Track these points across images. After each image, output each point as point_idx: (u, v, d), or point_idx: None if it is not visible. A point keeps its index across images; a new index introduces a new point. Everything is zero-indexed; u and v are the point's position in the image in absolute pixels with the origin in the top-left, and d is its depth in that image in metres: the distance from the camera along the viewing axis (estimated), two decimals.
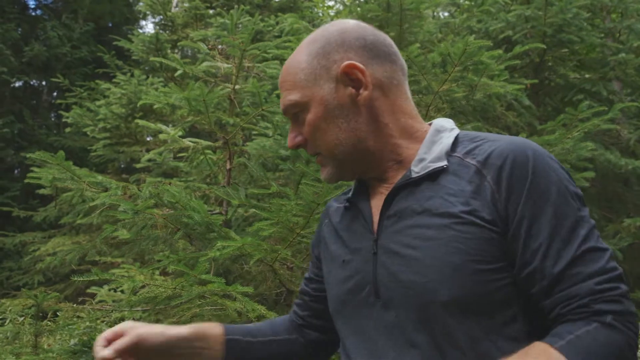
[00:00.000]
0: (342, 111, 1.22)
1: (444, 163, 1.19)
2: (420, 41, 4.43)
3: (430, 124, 1.31)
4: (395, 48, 1.30)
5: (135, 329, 1.29)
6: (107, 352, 1.24)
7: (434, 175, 1.19)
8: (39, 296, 3.16)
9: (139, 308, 2.96)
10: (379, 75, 1.24)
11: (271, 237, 2.97)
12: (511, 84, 3.98)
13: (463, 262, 1.10)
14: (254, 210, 3.91)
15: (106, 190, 3.27)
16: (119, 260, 5.71)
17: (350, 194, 1.38)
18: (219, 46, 6.46)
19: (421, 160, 1.21)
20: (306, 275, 1.57)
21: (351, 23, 1.28)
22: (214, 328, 1.42)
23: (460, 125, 3.48)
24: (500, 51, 3.78)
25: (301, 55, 1.25)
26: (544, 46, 4.48)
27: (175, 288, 2.59)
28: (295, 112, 1.25)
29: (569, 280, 1.06)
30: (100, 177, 3.20)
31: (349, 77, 1.22)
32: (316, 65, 1.23)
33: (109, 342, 1.26)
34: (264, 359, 1.48)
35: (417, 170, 1.21)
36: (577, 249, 1.06)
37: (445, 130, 1.26)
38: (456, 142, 1.23)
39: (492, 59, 3.78)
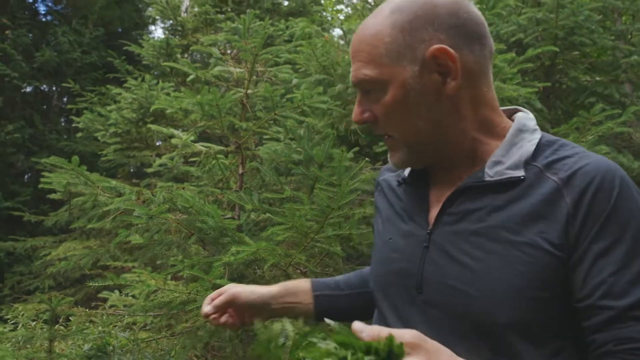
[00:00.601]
0: (424, 98, 1.11)
1: (521, 173, 1.09)
2: None
3: (513, 118, 1.21)
4: (486, 27, 1.16)
5: (230, 289, 1.43)
6: (207, 308, 1.42)
7: (508, 184, 1.10)
8: (54, 301, 3.17)
9: (152, 313, 2.96)
10: (469, 63, 1.12)
11: (285, 242, 2.96)
12: (524, 87, 3.96)
13: (523, 287, 1.03)
14: (265, 215, 3.91)
15: (120, 195, 3.28)
16: (130, 265, 5.72)
17: (406, 173, 1.29)
18: (229, 51, 6.48)
19: (497, 163, 1.12)
20: None
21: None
22: (303, 284, 1.49)
23: None
24: (513, 54, 3.76)
25: (383, 24, 1.12)
26: (557, 49, 4.46)
27: (189, 293, 2.59)
28: (369, 87, 1.14)
29: (631, 321, 0.99)
30: (114, 182, 3.20)
31: (437, 63, 1.10)
32: (401, 40, 1.10)
33: (212, 300, 1.43)
34: (353, 309, 1.47)
35: (491, 173, 1.12)
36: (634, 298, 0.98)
37: (527, 130, 1.15)
38: (538, 147, 1.12)
39: (505, 62, 3.76)
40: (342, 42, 4.77)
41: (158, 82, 7.34)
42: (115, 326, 3.48)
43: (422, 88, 1.10)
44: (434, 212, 1.18)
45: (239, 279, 3.11)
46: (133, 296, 5.40)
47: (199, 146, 4.15)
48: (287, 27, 6.98)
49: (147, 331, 3.86)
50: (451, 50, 1.08)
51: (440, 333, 1.03)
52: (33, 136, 11.06)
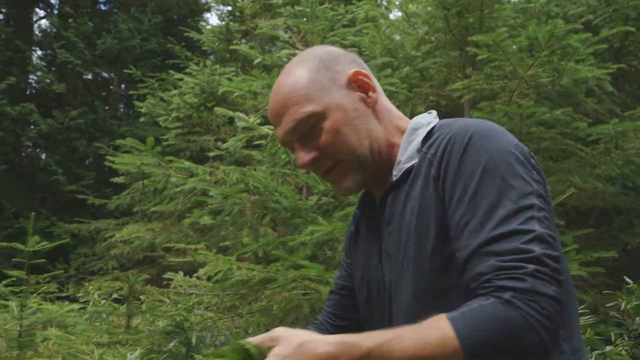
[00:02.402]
0: (357, 113, 1.27)
1: (413, 162, 1.24)
2: (502, 26, 4.33)
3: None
4: None
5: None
6: None
7: (407, 176, 1.24)
8: (131, 278, 3.26)
9: (229, 292, 3.01)
10: (373, 82, 1.31)
11: None
12: (598, 69, 3.85)
13: (422, 261, 1.16)
14: (331, 199, 3.92)
15: (192, 175, 3.33)
16: (193, 247, 5.83)
17: (358, 201, 1.45)
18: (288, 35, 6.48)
19: (398, 162, 1.27)
20: (339, 272, 1.57)
21: (329, 46, 1.36)
22: None
23: (547, 111, 3.39)
24: (588, 34, 3.66)
25: (299, 74, 1.27)
26: (632, 29, 4.30)
27: (268, 272, 2.62)
28: (310, 125, 1.25)
29: (478, 259, 1.06)
30: (187, 163, 3.26)
31: (357, 84, 1.28)
32: (321, 77, 1.27)
33: None
34: None
35: (395, 173, 1.27)
36: (494, 229, 1.06)
37: (421, 126, 1.29)
38: (429, 135, 1.26)
39: (580, 42, 3.66)
40: (406, 24, 4.71)
41: (217, 68, 7.43)
42: (188, 308, 3.55)
43: (354, 105, 1.26)
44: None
45: (311, 259, 3.13)
46: (197, 277, 5.52)
47: (266, 129, 4.18)
48: (346, 12, 6.96)
49: (213, 311, 3.93)
50: (364, 71, 1.30)
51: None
52: (95, 122, 11.35)
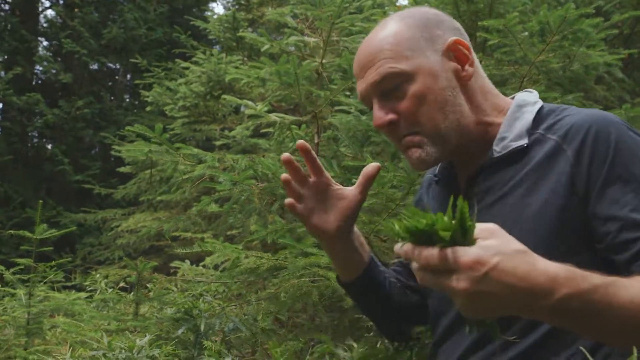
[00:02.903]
0: (449, 83, 1.20)
1: (524, 142, 1.18)
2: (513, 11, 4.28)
3: (513, 98, 1.31)
4: None
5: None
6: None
7: (515, 155, 1.19)
8: (140, 265, 3.25)
9: (238, 279, 3.00)
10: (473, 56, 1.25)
11: (367, 208, 2.94)
12: (610, 55, 3.80)
13: (539, 241, 1.08)
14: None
15: (201, 162, 3.31)
16: (199, 236, 5.82)
17: (437, 170, 1.39)
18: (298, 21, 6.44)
19: (502, 139, 1.21)
20: None
21: (432, 9, 1.30)
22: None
23: (558, 96, 3.35)
24: (600, 19, 3.61)
25: (398, 27, 1.21)
26: None
27: (277, 259, 2.60)
28: (395, 83, 1.18)
29: (619, 219, 1.05)
30: (195, 150, 3.24)
31: (455, 53, 1.22)
32: (419, 36, 1.20)
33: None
34: (384, 297, 1.46)
35: (498, 149, 1.21)
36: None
37: (527, 104, 1.24)
38: (539, 116, 1.21)
39: (592, 27, 3.62)
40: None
41: (224, 57, 7.40)
42: (197, 295, 3.55)
43: (447, 74, 1.20)
44: None
45: (317, 246, 3.11)
46: (204, 266, 5.52)
47: (273, 116, 4.16)
48: None
49: (220, 299, 3.93)
50: (466, 41, 1.23)
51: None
52: (101, 111, 11.36)
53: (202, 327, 2.65)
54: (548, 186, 1.12)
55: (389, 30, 1.21)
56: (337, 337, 3.16)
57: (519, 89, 3.57)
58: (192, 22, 8.00)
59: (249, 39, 5.48)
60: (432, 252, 0.84)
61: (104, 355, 2.26)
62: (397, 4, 5.53)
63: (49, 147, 11.84)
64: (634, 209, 1.05)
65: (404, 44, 1.19)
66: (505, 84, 3.74)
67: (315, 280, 2.73)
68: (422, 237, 0.84)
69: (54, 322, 3.50)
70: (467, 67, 1.22)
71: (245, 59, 7.27)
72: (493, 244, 0.84)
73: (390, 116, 1.21)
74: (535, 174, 1.15)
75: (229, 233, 5.36)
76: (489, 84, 1.30)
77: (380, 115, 1.21)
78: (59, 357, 2.46)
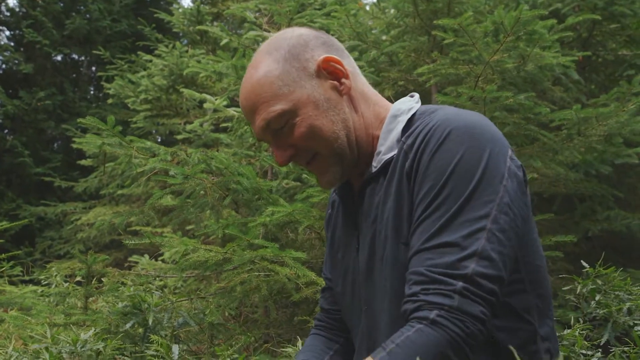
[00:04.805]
0: (330, 103, 1.22)
1: (393, 153, 1.20)
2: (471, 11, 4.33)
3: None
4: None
5: None
6: None
7: (387, 167, 1.22)
8: (89, 258, 3.21)
9: (187, 274, 2.98)
10: (347, 66, 1.26)
11: (320, 204, 2.95)
12: (564, 56, 3.87)
13: (398, 257, 1.15)
14: (295, 183, 3.90)
15: (154, 155, 3.28)
16: (159, 230, 5.77)
17: (335, 191, 1.42)
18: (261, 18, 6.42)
19: (378, 153, 1.24)
20: (325, 267, 1.55)
21: (300, 29, 1.29)
22: None
23: (510, 96, 3.40)
24: (553, 20, 3.67)
25: (267, 66, 1.22)
26: (598, 17, 4.34)
27: (226, 252, 2.60)
28: (281, 123, 1.20)
29: (416, 262, 1.07)
30: (149, 143, 3.21)
31: (328, 70, 1.23)
32: (290, 68, 1.21)
33: None
34: None
35: (375, 164, 1.24)
36: (438, 236, 1.05)
37: (401, 113, 1.25)
38: (409, 124, 1.22)
39: (545, 29, 3.68)
40: (376, 8, 4.69)
41: (188, 50, 7.35)
42: (146, 289, 3.52)
43: (325, 96, 1.21)
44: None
45: (273, 241, 3.11)
46: (163, 260, 5.47)
47: (232, 111, 4.14)
48: None
49: (177, 295, 3.91)
50: (335, 57, 1.23)
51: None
52: (63, 103, 11.15)
53: (150, 321, 2.63)
54: (397, 194, 1.16)
55: (261, 70, 1.22)
56: (290, 332, 3.17)
57: (474, 87, 3.61)
58: (156, 15, 7.92)
59: (212, 33, 5.45)
60: None
61: (46, 349, 2.23)
62: (359, 1, 5.55)
63: (9, 138, 11.59)
64: (422, 215, 1.09)
65: (276, 82, 1.20)
66: (461, 83, 3.79)
67: (265, 275, 2.73)
68: None
69: (2, 316, 3.44)
70: (343, 79, 1.24)
71: (210, 53, 7.23)
72: None
73: (289, 152, 1.24)
74: (393, 185, 1.18)
75: (188, 228, 5.33)
76: (369, 90, 1.31)
77: (279, 154, 1.25)
78: (1, 351, 2.42)
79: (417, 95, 1.31)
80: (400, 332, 1.02)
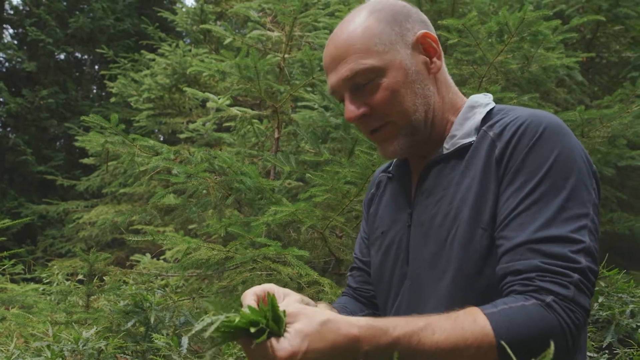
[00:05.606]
0: (418, 76, 1.23)
1: (472, 139, 1.22)
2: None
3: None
4: None
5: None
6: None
7: (462, 151, 1.22)
8: (91, 257, 3.20)
9: (189, 272, 2.97)
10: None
11: (323, 204, 2.95)
12: (568, 57, 3.86)
13: (471, 239, 1.14)
14: (298, 183, 3.89)
15: (157, 154, 3.28)
16: (162, 229, 5.77)
17: (391, 167, 1.43)
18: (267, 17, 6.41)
19: (453, 136, 1.25)
20: (358, 247, 1.55)
21: (403, 1, 1.30)
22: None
23: (514, 97, 3.39)
24: (558, 21, 3.66)
25: (367, 22, 1.22)
26: (603, 18, 4.33)
27: (228, 251, 2.59)
28: (367, 79, 1.20)
29: (522, 254, 1.06)
30: (152, 141, 3.20)
31: (424, 46, 1.24)
32: (390, 31, 1.21)
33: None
34: None
35: (447, 147, 1.25)
36: (546, 229, 1.05)
37: (479, 105, 1.27)
38: (488, 116, 1.24)
39: (550, 29, 3.67)
40: None
41: (191, 49, 7.35)
42: (148, 288, 3.52)
43: (416, 68, 1.22)
44: (414, 194, 1.32)
45: (268, 236, 3.11)
46: (164, 259, 5.47)
47: (235, 110, 4.14)
48: None
49: (178, 294, 3.91)
50: (434, 34, 1.25)
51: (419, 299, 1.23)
52: (66, 102, 11.17)
53: (152, 320, 2.63)
54: (482, 178, 1.16)
55: (358, 23, 1.22)
56: None
57: (478, 88, 3.60)
58: (160, 14, 7.92)
59: (215, 32, 5.45)
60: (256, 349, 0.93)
61: (48, 347, 2.23)
62: (363, 1, 5.54)
63: (12, 136, 11.61)
64: (515, 208, 1.09)
65: (374, 38, 1.20)
66: (464, 84, 3.78)
67: (268, 274, 2.73)
68: (237, 334, 0.92)
69: (4, 313, 3.44)
70: (435, 59, 1.25)
71: (214, 52, 7.22)
72: (299, 328, 0.92)
73: (362, 110, 1.23)
74: (475, 170, 1.18)
75: (191, 227, 5.33)
76: (450, 79, 1.33)
77: (352, 109, 1.23)
78: (2, 349, 2.42)
79: (491, 95, 1.33)
80: (514, 299, 1.03)
